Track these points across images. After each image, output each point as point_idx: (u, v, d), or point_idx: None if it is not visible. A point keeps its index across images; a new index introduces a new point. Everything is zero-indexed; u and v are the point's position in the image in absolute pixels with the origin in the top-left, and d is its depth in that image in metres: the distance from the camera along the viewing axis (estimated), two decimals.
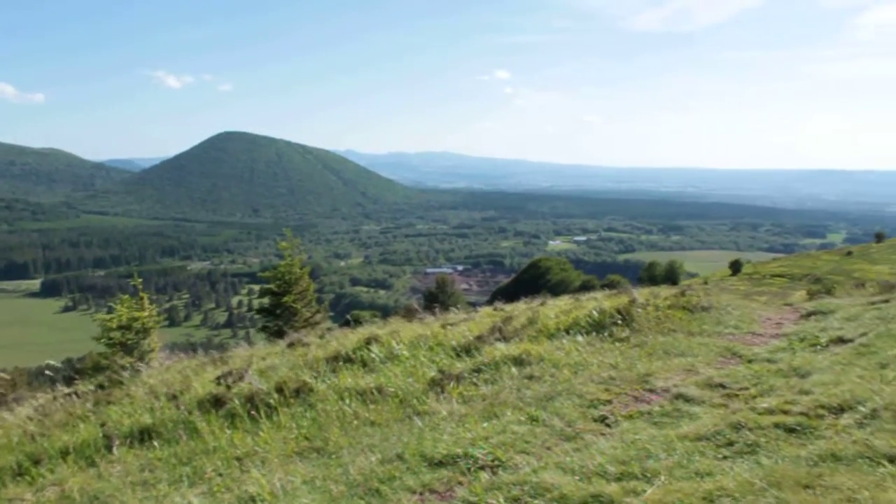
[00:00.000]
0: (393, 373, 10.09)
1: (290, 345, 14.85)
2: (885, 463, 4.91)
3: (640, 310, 12.09)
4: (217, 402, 9.52)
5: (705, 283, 62.88)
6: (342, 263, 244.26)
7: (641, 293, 14.76)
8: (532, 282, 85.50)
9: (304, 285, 26.15)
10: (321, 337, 15.91)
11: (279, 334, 22.13)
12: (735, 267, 76.24)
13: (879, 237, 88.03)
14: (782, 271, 70.72)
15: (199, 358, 14.99)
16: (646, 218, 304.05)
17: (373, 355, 11.28)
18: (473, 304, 38.70)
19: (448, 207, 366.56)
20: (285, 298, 25.35)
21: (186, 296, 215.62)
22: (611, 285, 47.78)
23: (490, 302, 31.36)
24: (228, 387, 10.13)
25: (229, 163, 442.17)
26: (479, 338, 11.55)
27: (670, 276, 79.51)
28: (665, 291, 15.36)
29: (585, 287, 47.63)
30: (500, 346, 10.81)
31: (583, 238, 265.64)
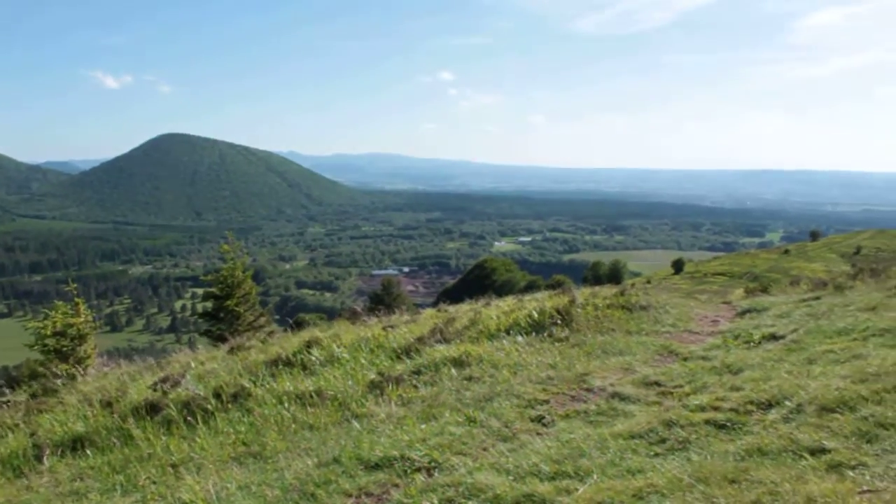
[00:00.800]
0: (333, 376, 10.04)
1: (232, 349, 14.67)
2: (807, 456, 5.05)
3: (579, 310, 12.22)
4: (153, 408, 9.36)
5: (648, 282, 63.81)
6: (287, 266, 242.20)
7: (582, 293, 14.93)
8: (478, 283, 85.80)
9: (246, 288, 25.86)
10: (263, 341, 15.76)
11: (222, 339, 21.85)
12: (677, 266, 77.51)
13: (815, 235, 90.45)
14: (723, 270, 72.08)
15: (137, 364, 14.73)
16: (590, 218, 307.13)
17: (313, 358, 11.20)
18: (420, 306, 38.69)
19: (393, 209, 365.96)
20: (228, 302, 25.05)
21: (128, 300, 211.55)
22: (555, 285, 48.20)
23: (436, 303, 31.43)
24: (165, 392, 9.97)
25: (171, 165, 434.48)
26: (419, 339, 11.55)
27: (614, 276, 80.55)
28: (606, 291, 15.53)
29: (531, 287, 47.93)
30: (441, 347, 10.81)
31: (528, 239, 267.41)
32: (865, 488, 4.32)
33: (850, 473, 4.62)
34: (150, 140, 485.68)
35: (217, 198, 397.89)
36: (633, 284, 48.77)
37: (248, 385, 9.72)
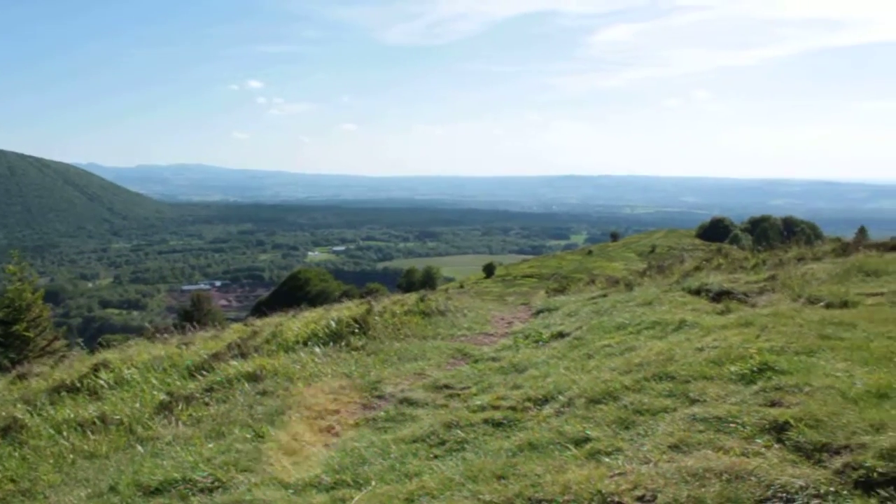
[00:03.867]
0: (121, 399, 9.62)
1: (16, 378, 13.68)
2: (571, 446, 5.32)
3: (377, 318, 12.31)
4: None
5: (462, 286, 65.04)
6: (90, 285, 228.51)
7: (382, 301, 15.05)
8: (292, 294, 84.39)
9: (37, 311, 24.23)
10: (53, 366, 14.82)
11: (9, 367, 20.34)
12: (488, 270, 79.48)
13: (615, 236, 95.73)
14: (532, 272, 74.62)
15: None
16: (403, 226, 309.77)
17: (101, 382, 10.67)
18: (233, 320, 37.67)
19: (203, 221, 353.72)
20: (15, 327, 23.35)
21: None
22: (370, 293, 48.27)
23: (251, 316, 30.71)
24: None
25: None
26: (215, 356, 11.26)
27: (428, 282, 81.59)
28: (406, 298, 15.74)
29: (346, 296, 47.73)
30: (236, 363, 10.59)
31: (342, 248, 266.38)
32: (617, 472, 4.60)
33: (606, 459, 4.89)
34: None
35: (7, 213, 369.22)
36: (446, 289, 49.62)
37: (21, 416, 9.11)
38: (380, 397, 8.19)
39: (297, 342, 11.76)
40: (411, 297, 15.67)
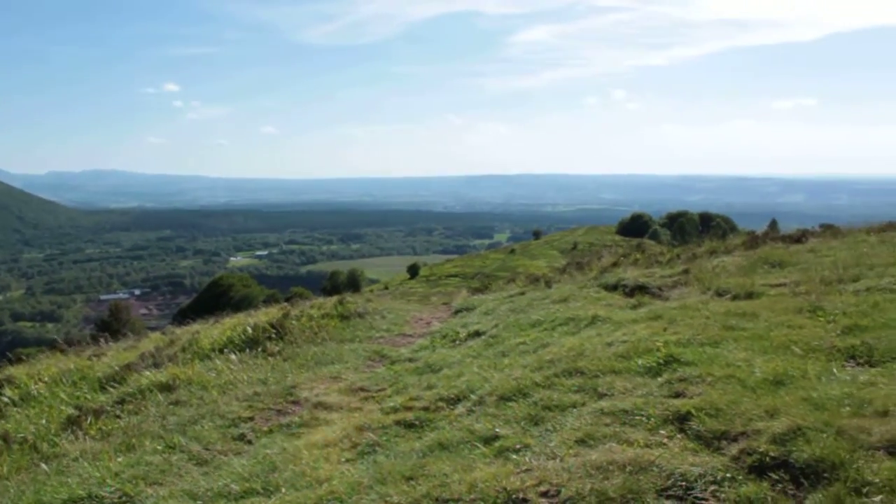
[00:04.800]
0: (26, 416, 9.30)
1: None
2: (481, 445, 5.36)
3: (294, 322, 12.19)
4: None
5: (386, 288, 65.01)
6: (0, 297, 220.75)
7: (300, 305, 14.91)
8: (214, 300, 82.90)
9: None
10: None
11: None
12: (413, 271, 79.62)
13: (537, 234, 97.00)
14: (456, 271, 75.00)
15: None
16: (326, 229, 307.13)
17: (5, 399, 10.30)
18: (153, 329, 36.86)
19: (120, 229, 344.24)
20: None
21: None
22: (294, 297, 47.74)
23: (173, 324, 30.10)
24: None
25: None
26: (127, 366, 10.99)
27: (352, 284, 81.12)
28: (325, 301, 15.63)
29: (270, 301, 47.02)
30: (149, 373, 10.34)
31: (265, 252, 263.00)
32: (524, 468, 4.65)
33: (514, 456, 4.95)
34: None
35: None
36: (371, 291, 49.53)
37: None
38: (295, 402, 8.10)
39: (214, 350, 11.55)
40: (330, 301, 15.56)
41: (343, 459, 5.78)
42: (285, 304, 18.40)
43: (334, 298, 15.62)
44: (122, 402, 9.23)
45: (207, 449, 6.79)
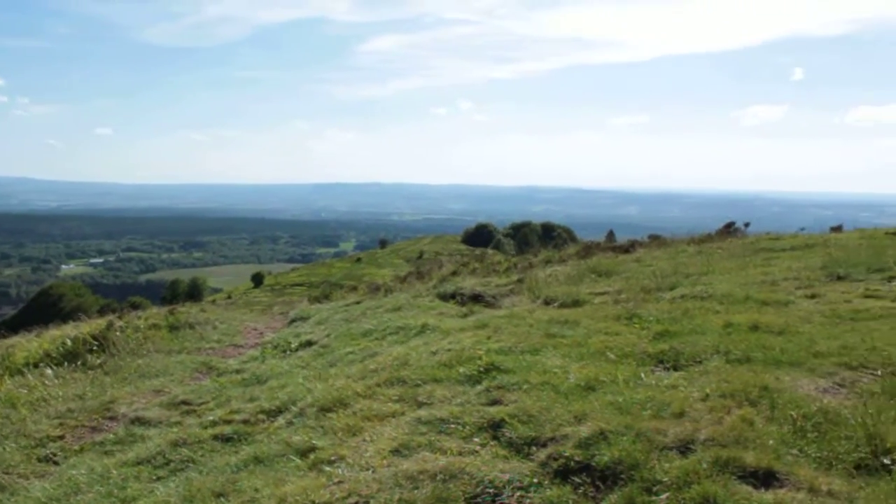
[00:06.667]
0: None
1: None
2: (297, 458, 5.27)
3: (118, 333, 11.66)
4: None
5: (229, 297, 63.45)
6: None
7: (127, 316, 14.28)
8: (43, 311, 78.42)
9: None
10: None
11: None
12: (257, 280, 78.18)
13: (383, 243, 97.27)
14: (301, 280, 74.21)
15: None
16: (166, 235, 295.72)
17: None
18: None
19: None
20: None
21: None
22: (133, 307, 45.75)
23: None
24: None
25: None
26: None
27: (194, 294, 78.72)
28: (154, 312, 15.05)
29: (106, 311, 44.89)
30: None
31: (100, 260, 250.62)
32: (336, 480, 4.60)
33: (328, 469, 4.87)
34: None
35: None
36: (213, 301, 48.09)
37: None
38: (111, 418, 7.74)
39: (28, 364, 10.87)
40: (161, 311, 14.98)
41: (154, 478, 5.55)
42: (114, 314, 17.58)
43: (165, 308, 15.05)
44: None
45: (7, 473, 6.36)
